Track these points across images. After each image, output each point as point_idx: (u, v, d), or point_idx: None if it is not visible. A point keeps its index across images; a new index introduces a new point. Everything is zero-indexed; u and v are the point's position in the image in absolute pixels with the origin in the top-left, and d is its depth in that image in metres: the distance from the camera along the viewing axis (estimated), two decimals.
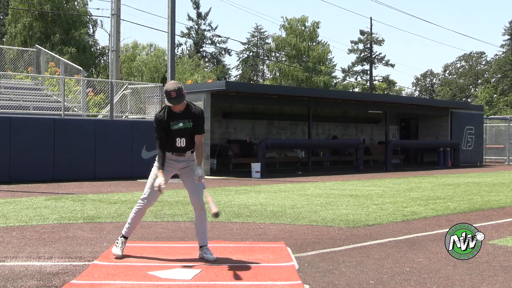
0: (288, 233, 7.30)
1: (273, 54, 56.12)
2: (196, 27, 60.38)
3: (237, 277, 4.97)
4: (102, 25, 51.04)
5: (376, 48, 66.26)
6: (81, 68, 20.30)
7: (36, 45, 26.75)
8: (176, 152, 5.74)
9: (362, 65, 65.25)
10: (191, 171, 5.78)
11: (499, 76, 66.00)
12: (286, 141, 24.81)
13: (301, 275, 5.07)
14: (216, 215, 5.42)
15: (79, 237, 6.92)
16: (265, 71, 66.09)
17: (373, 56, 64.24)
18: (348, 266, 5.47)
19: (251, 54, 67.76)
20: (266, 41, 66.54)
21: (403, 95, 64.70)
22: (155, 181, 5.60)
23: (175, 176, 5.96)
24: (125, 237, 5.82)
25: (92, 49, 43.72)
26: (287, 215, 8.95)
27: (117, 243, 5.79)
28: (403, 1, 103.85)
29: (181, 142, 5.70)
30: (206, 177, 18.68)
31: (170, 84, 5.60)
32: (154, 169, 5.75)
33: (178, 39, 56.82)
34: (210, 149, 20.22)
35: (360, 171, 22.35)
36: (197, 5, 59.69)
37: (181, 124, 5.65)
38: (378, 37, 63.94)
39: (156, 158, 5.74)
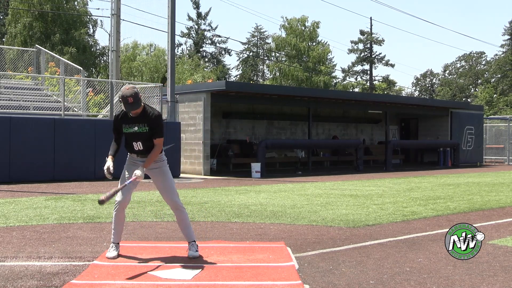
0: (288, 233, 7.30)
1: (273, 54, 56.13)
2: (196, 27, 60.38)
3: (237, 277, 4.97)
4: (102, 25, 51.16)
5: (376, 48, 66.40)
6: (81, 68, 20.29)
7: (36, 45, 26.74)
8: (137, 155, 5.76)
9: (362, 65, 65.22)
10: (160, 172, 5.75)
11: (499, 76, 65.99)
12: (286, 141, 24.80)
13: (301, 275, 5.07)
14: (101, 202, 5.45)
15: (79, 237, 6.92)
16: (265, 71, 66.08)
17: (373, 56, 64.20)
18: (348, 266, 5.47)
19: (251, 54, 67.75)
20: (266, 41, 66.58)
21: (403, 95, 64.70)
22: (105, 165, 5.73)
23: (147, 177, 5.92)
24: (116, 243, 5.81)
25: (92, 49, 43.73)
26: (287, 215, 8.95)
27: (109, 250, 5.78)
28: (403, 1, 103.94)
29: (138, 145, 5.69)
30: (206, 177, 18.76)
31: (127, 90, 5.45)
32: (124, 170, 5.83)
33: (178, 39, 56.95)
34: (210, 149, 20.20)
35: (360, 171, 22.35)
36: (197, 5, 59.71)
37: (136, 128, 5.60)
38: (378, 37, 63.95)
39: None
